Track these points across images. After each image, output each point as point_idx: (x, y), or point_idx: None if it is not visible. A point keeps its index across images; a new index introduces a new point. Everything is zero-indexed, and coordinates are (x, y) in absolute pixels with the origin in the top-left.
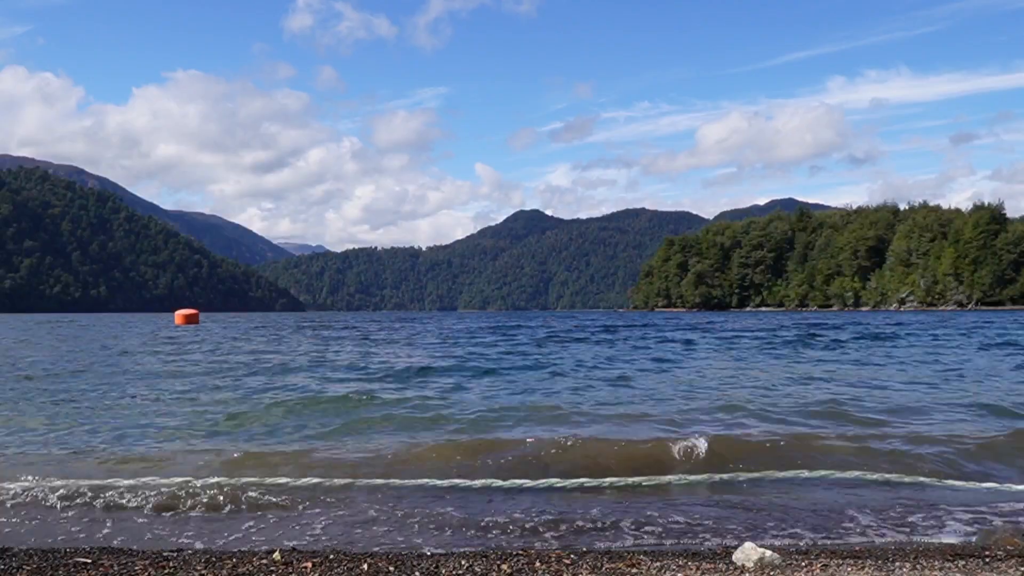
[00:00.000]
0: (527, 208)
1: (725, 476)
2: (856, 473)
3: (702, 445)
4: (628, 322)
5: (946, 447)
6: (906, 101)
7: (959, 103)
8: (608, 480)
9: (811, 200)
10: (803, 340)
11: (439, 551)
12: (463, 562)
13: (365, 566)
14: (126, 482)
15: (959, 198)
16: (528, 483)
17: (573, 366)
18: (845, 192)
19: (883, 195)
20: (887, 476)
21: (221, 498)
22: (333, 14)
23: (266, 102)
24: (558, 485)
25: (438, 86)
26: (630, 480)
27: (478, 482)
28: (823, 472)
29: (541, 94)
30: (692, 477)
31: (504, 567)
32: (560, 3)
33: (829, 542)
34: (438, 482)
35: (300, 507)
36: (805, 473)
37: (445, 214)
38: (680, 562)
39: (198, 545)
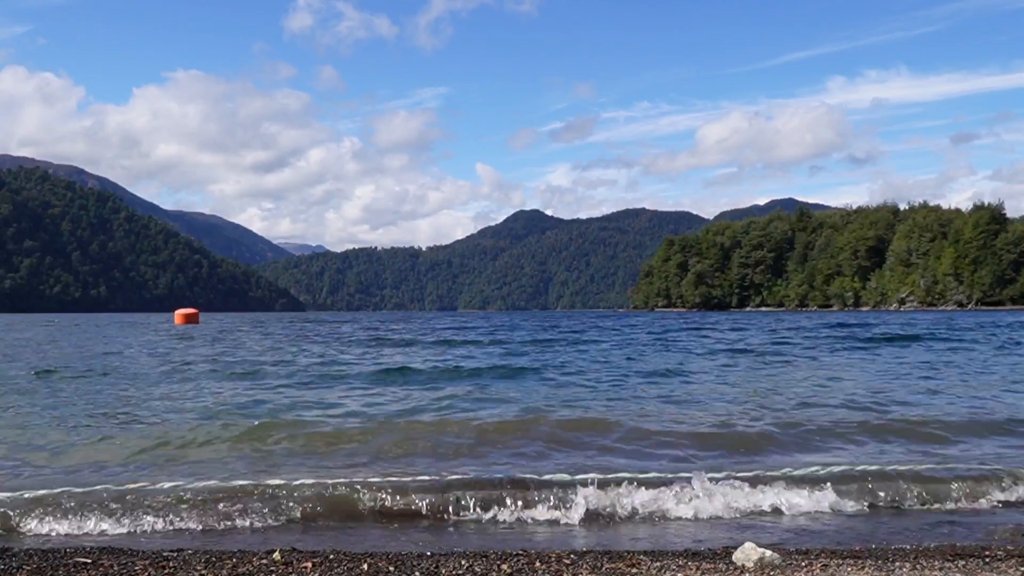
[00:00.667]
0: (527, 208)
1: None
2: None
3: None
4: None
5: None
6: (906, 101)
7: (959, 103)
8: None
9: (811, 200)
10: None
11: (439, 551)
12: (463, 562)
13: (365, 566)
14: (133, 485)
15: (959, 198)
16: None
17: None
18: (845, 192)
19: (883, 195)
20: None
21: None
22: (334, 14)
23: (266, 102)
24: None
25: (438, 86)
26: None
27: None
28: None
29: (541, 94)
30: None
31: (504, 567)
32: (561, 3)
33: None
34: None
35: None
36: None
37: (445, 214)
38: (680, 562)
39: (197, 545)
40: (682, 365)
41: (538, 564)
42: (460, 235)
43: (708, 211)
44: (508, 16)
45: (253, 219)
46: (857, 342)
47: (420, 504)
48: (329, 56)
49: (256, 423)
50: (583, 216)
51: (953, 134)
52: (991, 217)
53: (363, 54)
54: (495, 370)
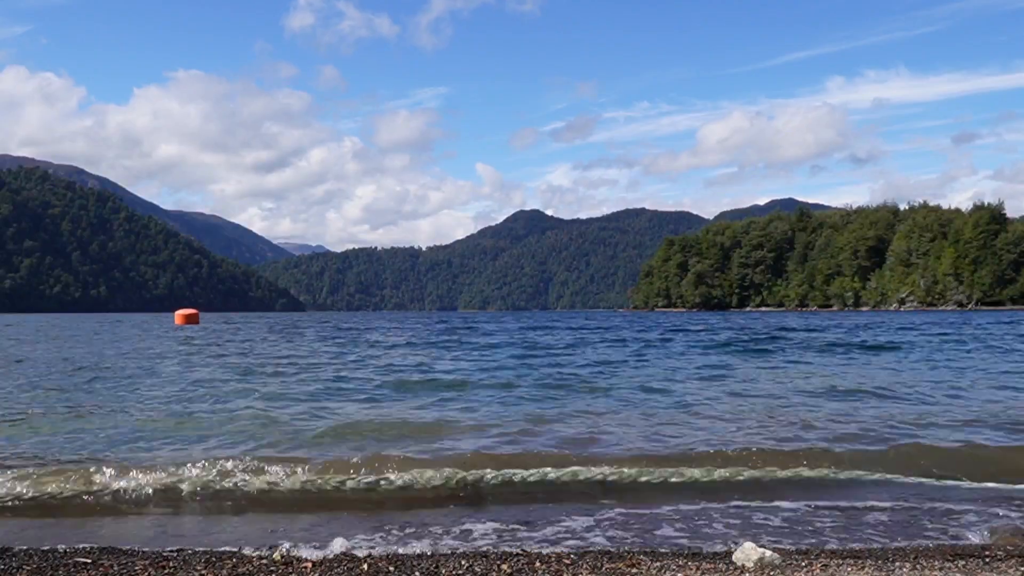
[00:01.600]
0: (528, 208)
1: None
2: None
3: None
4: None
5: None
6: (908, 101)
7: (960, 103)
8: None
9: (813, 200)
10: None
11: (439, 551)
12: (463, 562)
13: (365, 566)
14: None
15: (961, 198)
16: None
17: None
18: (847, 192)
19: (885, 195)
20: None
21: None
22: (334, 13)
23: (267, 102)
24: None
25: (439, 86)
26: None
27: None
28: None
29: (542, 94)
30: None
31: (504, 567)
32: (563, 2)
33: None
34: None
35: None
36: None
37: (446, 214)
38: (680, 562)
39: (198, 545)
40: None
41: (538, 564)
42: (461, 235)
43: (708, 211)
44: (510, 16)
45: (253, 219)
46: None
47: None
48: (330, 55)
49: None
50: (584, 216)
51: (955, 134)
52: (991, 217)
53: (364, 53)
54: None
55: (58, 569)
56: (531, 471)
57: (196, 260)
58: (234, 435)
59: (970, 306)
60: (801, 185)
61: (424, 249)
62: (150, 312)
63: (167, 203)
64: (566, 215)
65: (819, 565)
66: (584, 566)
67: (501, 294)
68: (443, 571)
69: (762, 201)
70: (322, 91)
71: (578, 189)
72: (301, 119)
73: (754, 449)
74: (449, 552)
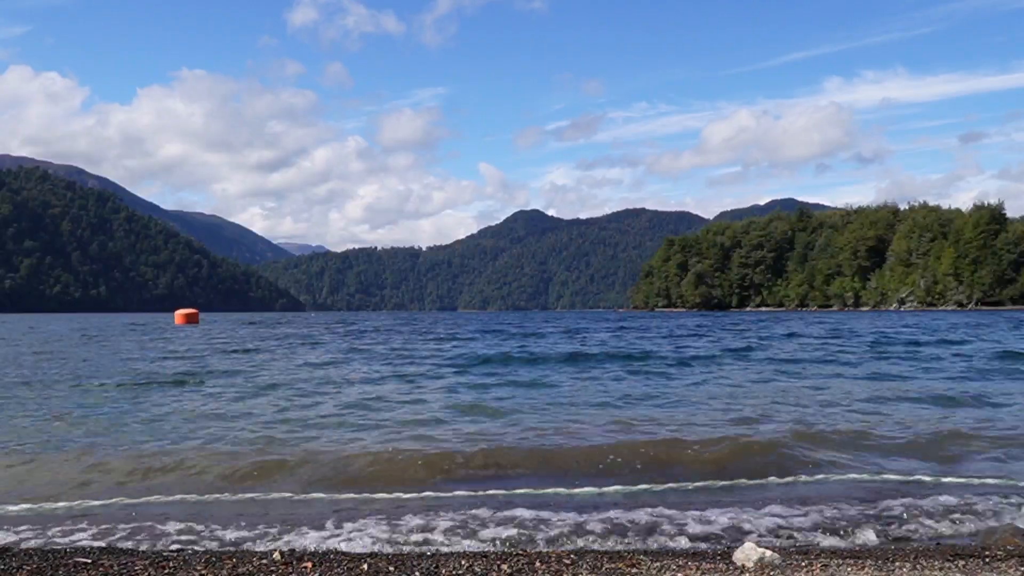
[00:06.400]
0: (529, 208)
1: None
2: None
3: None
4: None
5: None
6: (913, 101)
7: (961, 103)
8: None
9: (817, 200)
10: None
11: (439, 551)
12: (463, 562)
13: (365, 566)
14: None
15: (966, 197)
16: None
17: None
18: (853, 191)
19: (891, 194)
20: None
21: None
22: (338, 8)
23: (272, 100)
24: None
25: (444, 84)
26: None
27: None
28: None
29: (547, 93)
30: None
31: (504, 567)
32: (568, 1)
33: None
34: None
35: None
36: None
37: (448, 214)
38: (680, 562)
39: (198, 545)
40: None
41: (538, 564)
42: (462, 235)
43: (710, 211)
44: (515, 14)
45: (255, 218)
46: None
47: None
48: (335, 51)
49: None
50: (588, 216)
51: (961, 133)
52: (991, 217)
53: (369, 50)
54: None
55: (58, 569)
56: None
57: (196, 260)
58: None
59: (970, 306)
60: (805, 185)
61: (424, 249)
62: (150, 312)
63: (167, 203)
64: (569, 215)
65: (819, 565)
66: (584, 566)
67: (501, 294)
68: (443, 571)
69: (762, 201)
70: (328, 88)
71: (581, 188)
72: (305, 118)
73: None
74: (449, 552)
